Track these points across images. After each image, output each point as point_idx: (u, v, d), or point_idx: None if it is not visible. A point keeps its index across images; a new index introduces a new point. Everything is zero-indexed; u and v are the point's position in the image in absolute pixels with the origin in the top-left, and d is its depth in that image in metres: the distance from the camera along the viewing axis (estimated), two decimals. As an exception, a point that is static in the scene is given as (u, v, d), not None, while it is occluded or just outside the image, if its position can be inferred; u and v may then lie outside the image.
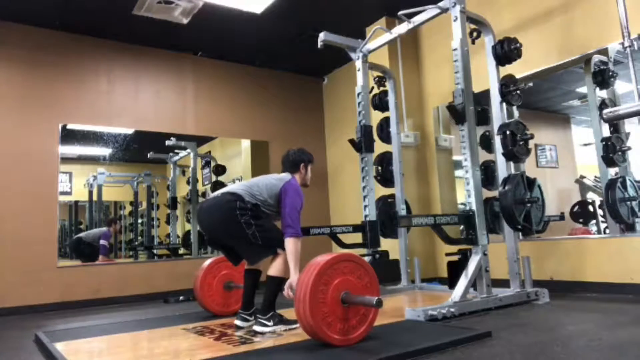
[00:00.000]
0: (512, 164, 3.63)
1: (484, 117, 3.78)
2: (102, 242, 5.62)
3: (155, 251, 6.02)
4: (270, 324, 2.71)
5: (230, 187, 2.96)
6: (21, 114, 4.83)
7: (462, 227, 3.91)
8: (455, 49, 3.49)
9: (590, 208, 4.54)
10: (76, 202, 5.71)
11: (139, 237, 6.15)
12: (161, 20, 4.89)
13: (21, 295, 4.53)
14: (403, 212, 4.40)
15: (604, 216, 4.10)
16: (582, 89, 4.47)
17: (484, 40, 3.73)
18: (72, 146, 5.39)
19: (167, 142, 5.84)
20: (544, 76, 4.33)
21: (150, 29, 5.12)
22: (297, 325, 2.75)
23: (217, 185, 6.08)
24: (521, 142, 3.47)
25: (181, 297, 4.93)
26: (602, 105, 3.97)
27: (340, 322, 2.33)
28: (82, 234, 5.65)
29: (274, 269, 2.80)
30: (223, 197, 2.88)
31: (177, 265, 5.61)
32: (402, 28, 4.05)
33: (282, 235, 2.82)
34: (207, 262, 3.64)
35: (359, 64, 4.46)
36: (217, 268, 3.61)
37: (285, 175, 3.03)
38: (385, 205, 4.46)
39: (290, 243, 2.76)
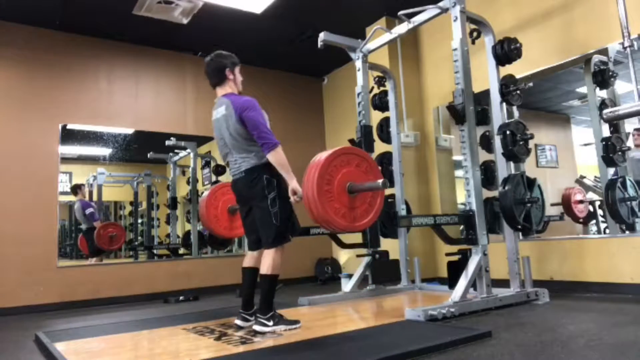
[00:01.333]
0: (512, 164, 3.63)
1: (484, 117, 3.77)
2: (87, 211, 5.58)
3: (155, 251, 6.02)
4: (270, 323, 2.70)
5: (240, 165, 2.86)
6: (21, 113, 4.83)
7: (462, 227, 3.91)
8: (455, 49, 3.49)
9: (590, 208, 4.54)
10: (74, 202, 5.71)
11: (139, 237, 6.15)
12: (161, 20, 4.89)
13: (21, 295, 4.54)
14: (403, 212, 4.40)
15: (604, 216, 4.10)
16: (582, 89, 4.47)
17: (484, 40, 3.72)
18: (72, 146, 5.39)
19: (167, 142, 5.84)
20: (544, 76, 4.33)
21: (150, 29, 5.12)
22: (298, 325, 2.76)
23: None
24: (521, 142, 3.48)
25: (181, 297, 4.93)
26: (602, 105, 3.97)
27: (348, 210, 2.46)
28: (81, 226, 5.63)
29: (265, 267, 2.76)
30: (248, 176, 2.81)
31: (177, 265, 5.61)
32: (402, 28, 4.05)
33: (294, 225, 2.80)
34: (207, 192, 3.71)
35: (359, 64, 4.46)
36: (220, 192, 3.66)
37: (222, 102, 2.90)
38: (385, 205, 4.45)
39: (273, 155, 2.72)
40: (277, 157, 2.72)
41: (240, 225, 3.36)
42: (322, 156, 2.46)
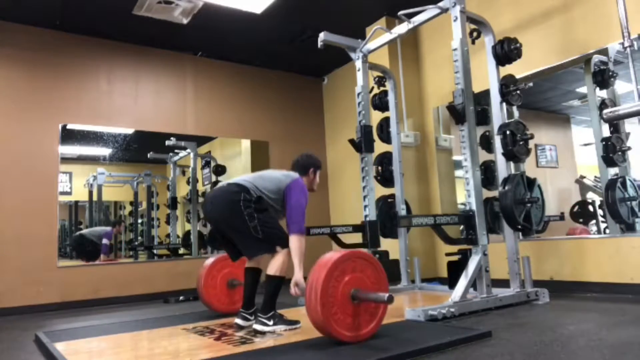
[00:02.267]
0: (512, 164, 3.63)
1: (484, 117, 3.78)
2: (104, 241, 5.64)
3: (155, 251, 6.02)
4: (270, 323, 2.70)
5: (236, 179, 2.95)
6: (21, 113, 4.83)
7: (462, 227, 3.91)
8: (455, 49, 3.49)
9: (590, 208, 4.54)
10: (76, 202, 5.71)
11: (139, 237, 6.15)
12: (161, 20, 4.89)
13: (21, 295, 4.53)
14: (403, 212, 4.40)
15: (604, 216, 4.10)
16: (582, 89, 4.47)
17: (484, 40, 3.73)
18: (72, 146, 5.39)
19: (167, 142, 5.84)
20: (544, 76, 4.33)
21: (150, 29, 5.12)
22: (298, 325, 2.76)
23: (216, 185, 6.08)
24: (521, 142, 3.48)
25: (181, 297, 4.93)
26: (602, 105, 3.97)
27: (350, 319, 2.35)
28: (84, 231, 5.66)
29: (273, 267, 2.79)
30: (229, 187, 2.87)
31: (177, 265, 5.61)
32: (402, 28, 4.05)
33: (283, 233, 2.81)
34: (210, 260, 3.65)
35: (359, 64, 4.46)
36: (219, 266, 3.61)
37: (293, 173, 3.04)
38: (385, 205, 4.46)
39: (294, 240, 2.76)
40: (300, 243, 2.76)
41: (238, 300, 3.40)
42: (330, 258, 2.38)
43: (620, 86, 3.98)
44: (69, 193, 5.43)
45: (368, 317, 2.41)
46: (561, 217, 4.37)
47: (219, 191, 2.94)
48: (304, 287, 2.53)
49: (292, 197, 2.87)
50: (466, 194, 3.41)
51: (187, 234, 6.11)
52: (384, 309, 2.46)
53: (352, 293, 2.34)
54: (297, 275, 2.72)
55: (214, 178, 6.17)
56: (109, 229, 5.76)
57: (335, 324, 2.29)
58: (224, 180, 3.01)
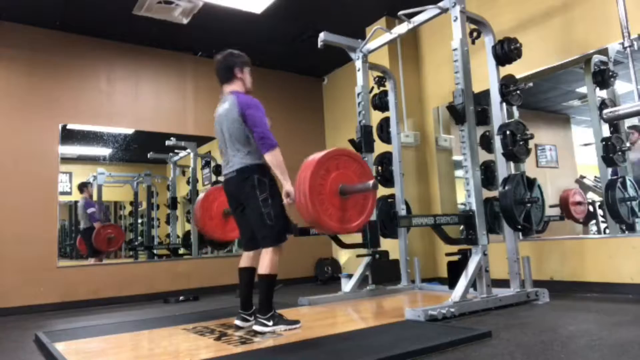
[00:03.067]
0: (512, 164, 3.63)
1: (484, 117, 3.77)
2: (89, 210, 5.58)
3: (155, 251, 6.02)
4: (270, 323, 2.70)
5: (233, 163, 2.86)
6: (21, 114, 4.83)
7: (462, 227, 3.91)
8: (455, 49, 3.49)
9: (590, 208, 4.54)
10: (76, 202, 5.71)
11: (139, 237, 6.15)
12: (161, 20, 4.89)
13: (21, 295, 4.54)
14: (403, 212, 4.40)
15: (604, 216, 4.10)
16: (582, 89, 4.47)
17: (484, 40, 3.72)
18: (72, 146, 5.39)
19: (167, 142, 5.84)
20: (544, 76, 4.33)
21: (150, 29, 5.12)
22: (298, 325, 2.76)
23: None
24: (521, 142, 3.47)
25: (181, 297, 4.93)
26: (602, 105, 3.97)
27: (339, 212, 2.49)
28: (79, 227, 5.63)
29: (262, 267, 2.76)
30: (239, 175, 2.82)
31: (177, 265, 5.61)
32: (402, 28, 4.05)
33: (288, 225, 2.80)
34: (201, 195, 3.71)
35: (359, 64, 4.46)
36: (212, 197, 3.65)
37: (226, 99, 2.90)
38: (385, 205, 4.46)
39: (270, 156, 2.73)
40: (274, 158, 2.72)
41: (233, 229, 3.36)
42: (314, 158, 2.48)
43: (620, 86, 3.97)
44: (69, 193, 5.43)
45: (357, 212, 2.56)
46: (561, 217, 4.37)
47: (234, 178, 2.88)
48: (294, 195, 2.64)
49: (247, 120, 2.77)
50: (466, 194, 3.41)
51: (187, 234, 6.11)
52: (372, 202, 2.59)
53: (340, 188, 2.45)
54: (287, 186, 2.70)
55: (214, 178, 6.17)
56: (80, 200, 5.60)
57: (326, 216, 2.42)
58: (230, 164, 2.90)
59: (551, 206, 4.42)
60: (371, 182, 2.38)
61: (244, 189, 2.81)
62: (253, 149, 2.82)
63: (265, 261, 2.76)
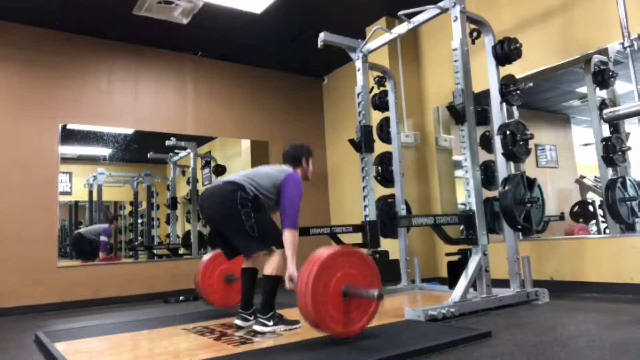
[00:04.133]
0: (512, 164, 3.63)
1: (484, 117, 3.78)
2: (102, 238, 5.63)
3: (155, 251, 6.02)
4: (270, 323, 2.70)
5: (231, 177, 2.95)
6: (21, 114, 4.83)
7: (462, 227, 3.91)
8: (455, 49, 3.49)
9: (590, 208, 4.54)
10: (76, 202, 5.71)
11: (139, 237, 6.15)
12: (161, 20, 4.88)
13: (21, 295, 4.53)
14: (403, 212, 4.40)
15: (604, 216, 4.10)
16: (582, 89, 4.47)
17: (484, 40, 3.73)
18: (72, 146, 5.39)
19: (167, 142, 5.84)
20: (544, 76, 4.33)
21: (150, 29, 5.12)
22: (298, 325, 2.76)
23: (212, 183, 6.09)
24: (521, 142, 3.47)
25: (181, 297, 4.93)
26: (602, 105, 3.97)
27: (342, 315, 2.35)
28: (82, 230, 5.66)
29: (269, 267, 2.79)
30: (224, 186, 2.87)
31: (177, 265, 5.60)
32: (402, 28, 4.05)
33: (279, 232, 2.81)
34: (206, 256, 3.66)
35: (359, 64, 4.46)
36: (217, 262, 3.61)
37: (287, 168, 3.03)
38: (385, 205, 4.46)
39: (288, 234, 2.75)
40: (293, 238, 2.76)
41: (235, 295, 3.39)
42: (322, 254, 2.37)
43: (620, 86, 3.97)
44: (69, 193, 5.43)
45: (360, 313, 2.43)
46: (561, 217, 4.37)
47: (215, 189, 2.94)
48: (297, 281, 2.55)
49: (286, 193, 2.86)
50: (466, 194, 3.41)
51: (187, 234, 6.11)
52: (376, 305, 2.48)
53: (344, 289, 2.35)
54: (291, 269, 2.71)
55: (214, 178, 6.17)
56: (106, 225, 5.76)
57: (327, 319, 2.30)
58: (219, 178, 2.99)
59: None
60: (376, 292, 2.30)
61: (226, 202, 2.81)
62: (261, 191, 2.87)
63: (274, 262, 2.78)
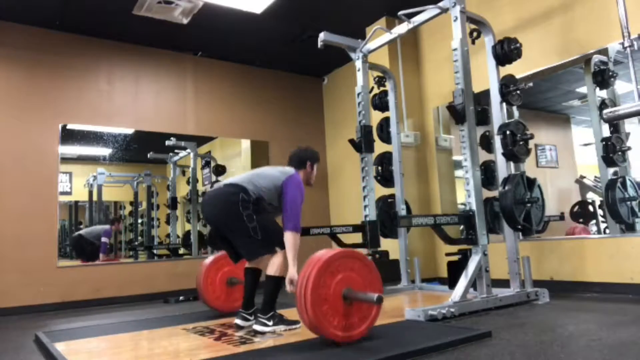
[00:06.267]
0: (512, 164, 3.62)
1: (484, 117, 3.77)
2: (103, 239, 5.63)
3: (155, 251, 6.01)
4: (270, 323, 2.70)
5: (233, 179, 2.95)
6: (21, 113, 4.83)
7: (462, 227, 3.91)
8: (455, 49, 3.49)
9: (590, 208, 4.54)
10: (76, 202, 5.71)
11: (139, 237, 6.15)
12: (161, 20, 4.88)
13: (21, 295, 4.53)
14: (403, 212, 4.40)
15: (604, 216, 4.10)
16: (582, 89, 4.46)
17: (484, 40, 3.73)
18: (72, 146, 5.39)
19: (167, 142, 5.84)
20: (544, 76, 4.33)
21: (150, 29, 5.12)
22: (298, 325, 2.76)
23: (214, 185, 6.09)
24: (521, 142, 3.47)
25: (181, 297, 4.93)
26: (602, 105, 3.97)
27: (342, 319, 2.33)
28: (82, 231, 5.65)
29: (272, 268, 2.79)
30: (226, 188, 2.88)
31: (177, 265, 5.60)
32: (402, 28, 4.05)
33: (282, 234, 2.81)
34: (209, 259, 3.65)
35: (359, 64, 4.46)
36: (219, 265, 3.61)
37: (289, 169, 3.02)
38: (385, 205, 4.46)
39: (289, 236, 2.75)
40: (294, 240, 2.75)
41: (238, 298, 3.36)
42: (322, 256, 2.35)
43: (620, 86, 3.97)
44: (69, 193, 5.43)
45: (360, 317, 2.40)
46: (561, 217, 4.37)
47: (216, 192, 2.94)
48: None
49: (288, 194, 2.86)
50: (466, 194, 3.41)
51: (187, 234, 6.11)
52: (376, 310, 2.44)
53: (344, 293, 2.33)
54: (292, 271, 2.70)
55: (214, 178, 6.17)
56: (107, 227, 5.76)
57: (327, 323, 2.27)
58: (222, 180, 2.98)
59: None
60: (375, 296, 2.27)
61: (227, 204, 2.81)
62: (263, 193, 2.86)
63: (276, 263, 2.79)
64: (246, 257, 2.93)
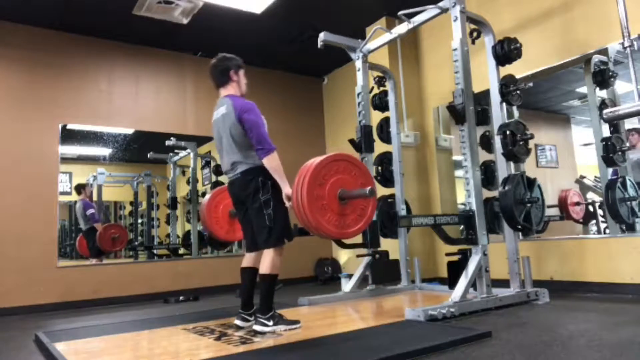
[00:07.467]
0: (512, 164, 3.62)
1: (484, 117, 3.78)
2: (89, 212, 5.58)
3: (155, 251, 6.02)
4: (270, 323, 2.70)
5: (237, 166, 2.87)
6: (21, 113, 4.83)
7: (462, 227, 3.91)
8: (455, 49, 3.49)
9: (590, 208, 4.54)
10: (76, 202, 5.71)
11: (139, 237, 6.15)
12: (161, 20, 4.89)
13: (21, 295, 4.54)
14: (403, 212, 4.40)
15: (604, 216, 4.10)
16: (582, 89, 4.47)
17: (484, 40, 3.72)
18: (72, 146, 5.39)
19: (167, 142, 5.84)
20: (544, 76, 4.33)
21: (150, 29, 5.12)
22: (298, 325, 2.76)
23: (217, 185, 6.08)
24: (521, 142, 3.47)
25: (181, 297, 4.93)
26: (602, 105, 3.97)
27: (338, 217, 2.46)
28: (80, 228, 5.62)
29: (264, 267, 2.77)
30: (243, 177, 2.83)
31: (177, 265, 5.61)
32: (402, 28, 4.05)
33: (288, 229, 2.80)
34: (206, 198, 3.73)
35: (359, 64, 4.46)
36: (220, 198, 3.65)
37: (222, 102, 2.92)
38: (385, 205, 4.46)
39: (268, 160, 2.74)
40: (272, 163, 2.74)
41: (240, 229, 3.34)
42: (313, 162, 2.47)
43: (620, 86, 3.97)
44: (69, 193, 5.43)
45: (357, 216, 2.53)
46: (561, 217, 4.37)
47: (237, 180, 2.90)
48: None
49: (246, 125, 2.79)
50: (466, 194, 3.41)
51: (187, 234, 6.11)
52: (372, 208, 2.56)
53: (339, 193, 2.42)
54: (286, 189, 2.72)
55: (214, 178, 6.17)
56: (79, 201, 5.58)
57: (324, 222, 2.40)
58: (234, 168, 2.90)
59: (550, 206, 4.42)
60: (368, 188, 2.36)
61: (247, 190, 2.82)
62: (254, 152, 2.83)
63: (267, 261, 2.76)
64: (259, 241, 2.84)
